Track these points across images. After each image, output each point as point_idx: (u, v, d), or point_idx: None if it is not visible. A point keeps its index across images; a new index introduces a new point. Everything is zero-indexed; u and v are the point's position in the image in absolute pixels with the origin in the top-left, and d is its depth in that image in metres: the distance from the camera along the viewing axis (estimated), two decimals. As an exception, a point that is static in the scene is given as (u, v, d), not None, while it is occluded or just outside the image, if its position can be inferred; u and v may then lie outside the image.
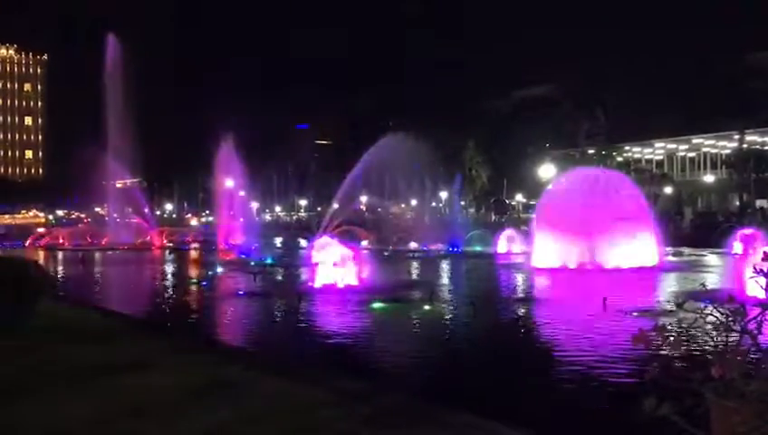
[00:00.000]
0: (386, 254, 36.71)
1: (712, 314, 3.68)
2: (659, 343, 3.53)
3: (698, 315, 3.74)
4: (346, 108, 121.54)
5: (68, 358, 8.60)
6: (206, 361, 8.40)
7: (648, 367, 3.51)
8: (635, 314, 13.29)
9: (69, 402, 6.42)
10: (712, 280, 20.31)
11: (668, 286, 19.99)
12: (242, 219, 56.02)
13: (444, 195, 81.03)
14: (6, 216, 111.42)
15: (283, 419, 5.79)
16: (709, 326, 3.68)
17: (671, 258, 26.28)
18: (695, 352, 3.67)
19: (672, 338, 3.53)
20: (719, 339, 3.56)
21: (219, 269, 27.83)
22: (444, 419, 5.73)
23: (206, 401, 6.43)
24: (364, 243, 41.90)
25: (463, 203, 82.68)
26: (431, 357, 10.40)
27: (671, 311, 12.18)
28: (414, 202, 78.95)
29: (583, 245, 24.66)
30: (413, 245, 43.42)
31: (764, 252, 3.84)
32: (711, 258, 30.07)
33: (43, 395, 6.73)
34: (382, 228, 51.73)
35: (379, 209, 76.40)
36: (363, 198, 79.48)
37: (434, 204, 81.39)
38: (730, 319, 3.58)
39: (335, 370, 8.38)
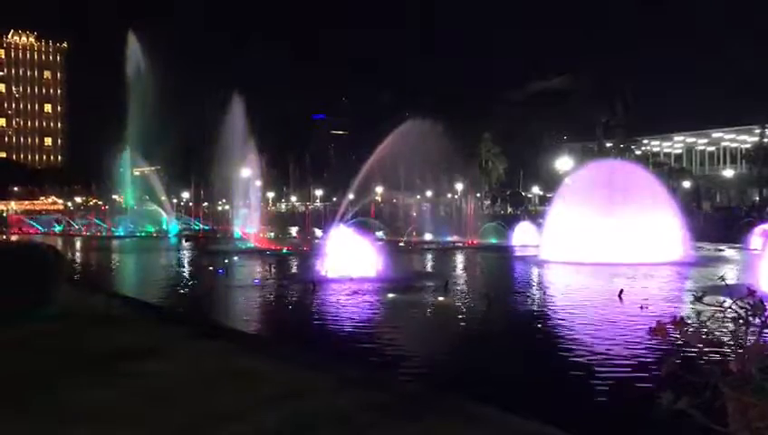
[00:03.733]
0: (400, 245, 36.74)
1: (731, 308, 3.64)
2: (677, 336, 3.51)
3: (717, 309, 3.70)
4: (363, 98, 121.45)
5: (86, 343, 8.70)
6: (221, 348, 8.46)
7: (665, 360, 3.48)
8: (651, 307, 13.19)
9: (87, 388, 6.50)
10: (731, 275, 20.10)
11: (686, 280, 19.83)
12: (257, 208, 56.23)
13: (459, 187, 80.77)
14: (26, 202, 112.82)
15: (299, 407, 5.81)
16: (728, 320, 3.64)
17: (689, 253, 26.02)
18: (713, 346, 3.63)
19: (690, 331, 3.50)
20: (738, 333, 3.52)
21: (235, 257, 28.01)
22: (464, 409, 5.73)
23: (221, 387, 6.48)
24: (379, 234, 41.94)
25: (478, 195, 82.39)
26: (445, 348, 10.40)
27: (689, 304, 12.07)
28: (429, 194, 78.82)
29: (600, 238, 24.48)
30: (428, 236, 43.42)
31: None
32: (729, 253, 29.76)
33: (62, 380, 6.81)
34: (397, 220, 51.75)
35: (395, 201, 76.32)
36: (378, 190, 79.44)
37: (449, 196, 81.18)
38: (749, 313, 3.54)
39: (349, 359, 8.41)
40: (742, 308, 3.57)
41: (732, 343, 3.51)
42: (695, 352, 3.57)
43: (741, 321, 3.54)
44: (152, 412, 5.66)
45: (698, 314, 3.68)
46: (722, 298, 3.78)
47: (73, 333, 9.35)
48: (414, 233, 44.87)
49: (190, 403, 5.96)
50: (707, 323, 3.58)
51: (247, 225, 47.50)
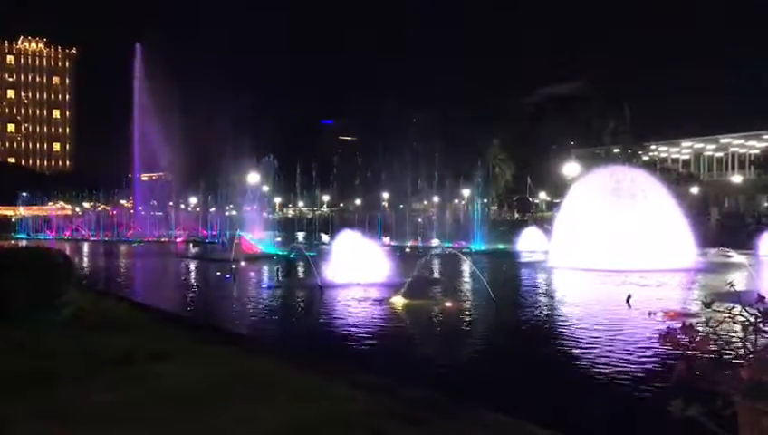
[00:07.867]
0: (407, 250, 36.71)
1: (741, 315, 3.61)
2: (687, 343, 3.48)
3: (727, 316, 3.67)
4: (370, 104, 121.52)
5: (95, 347, 8.70)
6: (229, 352, 8.46)
7: (675, 367, 3.46)
8: (660, 313, 13.12)
9: (95, 390, 6.51)
10: (740, 281, 19.99)
11: (695, 287, 19.73)
12: (265, 214, 56.35)
13: (466, 192, 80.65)
14: (34, 207, 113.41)
15: (309, 412, 5.80)
16: (738, 327, 3.62)
17: (698, 259, 25.89)
18: (723, 353, 3.61)
19: (700, 338, 3.48)
20: (748, 340, 3.50)
21: (242, 263, 28.04)
22: (472, 416, 5.71)
23: (229, 391, 6.47)
24: (386, 239, 41.91)
25: (486, 201, 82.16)
26: (452, 354, 10.37)
27: (699, 311, 12.01)
28: (436, 199, 78.70)
29: (608, 245, 24.38)
30: (434, 241, 43.37)
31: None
32: (739, 259, 29.56)
33: (70, 383, 6.83)
34: (404, 225, 51.72)
35: (402, 206, 76.25)
36: (386, 195, 79.36)
37: (456, 201, 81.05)
38: (759, 320, 3.52)
39: (357, 363, 8.40)
40: (752, 315, 3.55)
41: (742, 350, 3.48)
42: (705, 359, 3.55)
43: (751, 328, 3.51)
44: (162, 416, 5.67)
45: (708, 320, 3.66)
46: (731, 305, 3.75)
47: (80, 336, 9.36)
48: (420, 238, 44.83)
49: (198, 406, 5.95)
50: (717, 330, 3.56)
51: (251, 232, 47.30)
